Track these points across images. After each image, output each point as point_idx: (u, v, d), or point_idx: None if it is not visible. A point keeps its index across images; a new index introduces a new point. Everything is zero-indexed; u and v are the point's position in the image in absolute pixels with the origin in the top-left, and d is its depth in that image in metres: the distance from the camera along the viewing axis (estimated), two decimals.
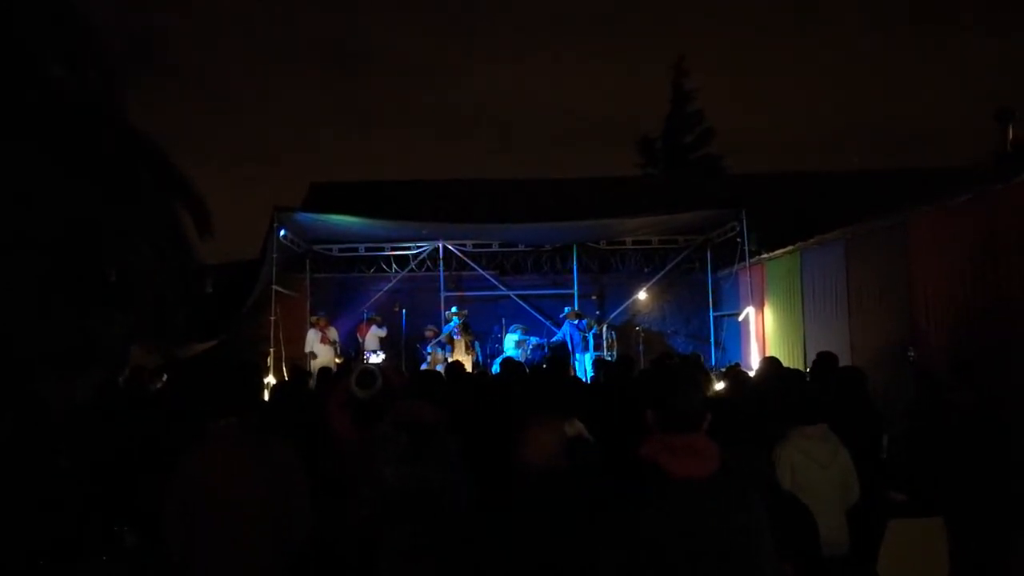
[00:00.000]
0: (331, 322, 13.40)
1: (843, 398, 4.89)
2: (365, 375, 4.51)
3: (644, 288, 14.92)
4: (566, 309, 13.79)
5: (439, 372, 7.72)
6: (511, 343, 13.52)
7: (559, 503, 2.70)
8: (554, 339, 13.80)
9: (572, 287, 14.98)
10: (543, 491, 2.74)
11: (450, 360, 11.61)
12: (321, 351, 12.71)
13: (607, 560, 2.32)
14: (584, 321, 13.47)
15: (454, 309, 13.66)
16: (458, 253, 14.98)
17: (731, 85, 60.37)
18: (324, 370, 8.29)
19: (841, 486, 3.79)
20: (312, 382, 7.93)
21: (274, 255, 12.33)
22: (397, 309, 13.95)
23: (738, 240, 12.83)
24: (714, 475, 2.33)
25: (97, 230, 8.76)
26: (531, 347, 13.42)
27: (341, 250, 15.03)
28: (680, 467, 2.31)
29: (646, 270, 15.24)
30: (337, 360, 12.41)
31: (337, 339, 13.24)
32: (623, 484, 2.44)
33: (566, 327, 13.44)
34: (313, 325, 13.11)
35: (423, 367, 12.03)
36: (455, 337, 13.13)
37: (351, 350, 13.56)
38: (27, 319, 7.92)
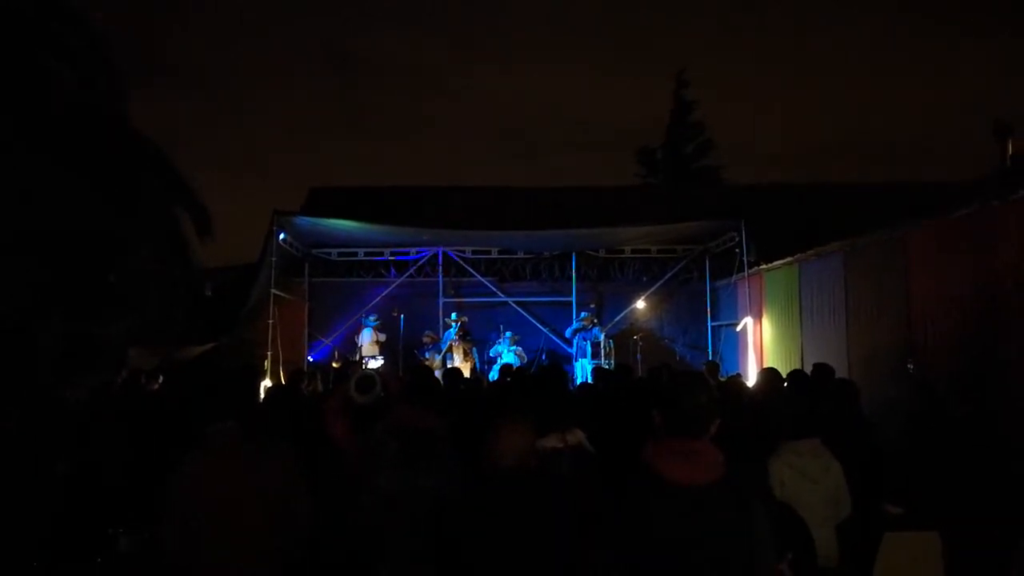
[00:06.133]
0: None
1: (837, 411, 4.91)
2: (364, 380, 4.50)
3: (642, 297, 14.92)
4: (583, 313, 13.95)
5: (436, 377, 7.70)
6: (503, 351, 13.59)
7: (526, 503, 2.72)
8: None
9: (571, 295, 15.00)
10: (510, 491, 2.76)
11: (448, 366, 11.63)
12: (369, 351, 13.36)
13: (598, 563, 2.32)
14: (596, 329, 13.57)
15: (453, 316, 13.70)
16: (457, 259, 15.01)
17: (732, 97, 60.55)
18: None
19: (831, 501, 3.80)
20: (306, 385, 7.97)
21: (273, 259, 12.33)
22: (396, 314, 13.95)
23: (736, 251, 12.85)
24: (716, 483, 2.27)
25: (98, 233, 8.76)
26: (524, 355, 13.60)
27: (340, 255, 15.02)
28: (679, 473, 2.26)
29: (644, 279, 15.23)
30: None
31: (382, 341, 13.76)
32: (621, 487, 2.41)
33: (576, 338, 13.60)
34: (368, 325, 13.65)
35: None
36: (455, 344, 13.17)
37: (347, 355, 13.58)
38: (29, 322, 7.92)
